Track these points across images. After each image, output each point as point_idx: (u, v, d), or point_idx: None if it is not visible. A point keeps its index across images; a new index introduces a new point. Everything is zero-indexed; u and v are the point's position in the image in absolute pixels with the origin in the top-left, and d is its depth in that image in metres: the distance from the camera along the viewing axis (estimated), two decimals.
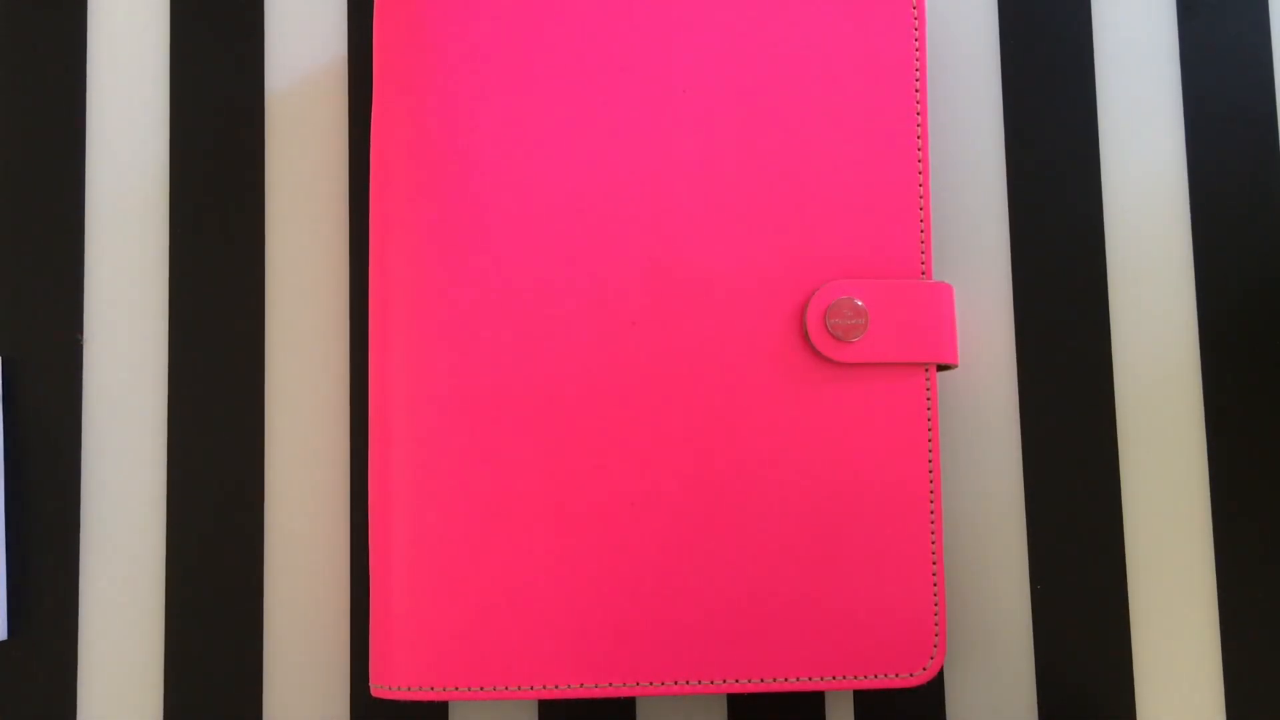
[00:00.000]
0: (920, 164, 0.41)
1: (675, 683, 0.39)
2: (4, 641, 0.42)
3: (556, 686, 0.38)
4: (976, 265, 0.44)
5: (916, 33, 0.41)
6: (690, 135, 0.40)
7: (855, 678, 0.39)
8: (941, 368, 0.41)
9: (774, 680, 0.39)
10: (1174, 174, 0.44)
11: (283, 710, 0.42)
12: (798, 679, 0.39)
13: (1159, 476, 0.43)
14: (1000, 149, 0.44)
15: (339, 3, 0.44)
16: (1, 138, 0.44)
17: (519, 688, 0.38)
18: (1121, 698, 0.42)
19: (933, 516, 0.40)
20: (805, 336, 0.40)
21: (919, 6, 0.41)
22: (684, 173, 0.40)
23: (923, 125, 0.41)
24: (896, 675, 0.39)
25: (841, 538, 0.39)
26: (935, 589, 0.39)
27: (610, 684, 0.38)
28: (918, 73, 0.41)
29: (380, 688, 0.39)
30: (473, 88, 0.40)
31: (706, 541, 0.39)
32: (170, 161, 0.44)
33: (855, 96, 0.41)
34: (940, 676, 0.42)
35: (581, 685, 0.38)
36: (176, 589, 0.42)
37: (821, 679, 0.39)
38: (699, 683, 0.39)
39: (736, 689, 0.39)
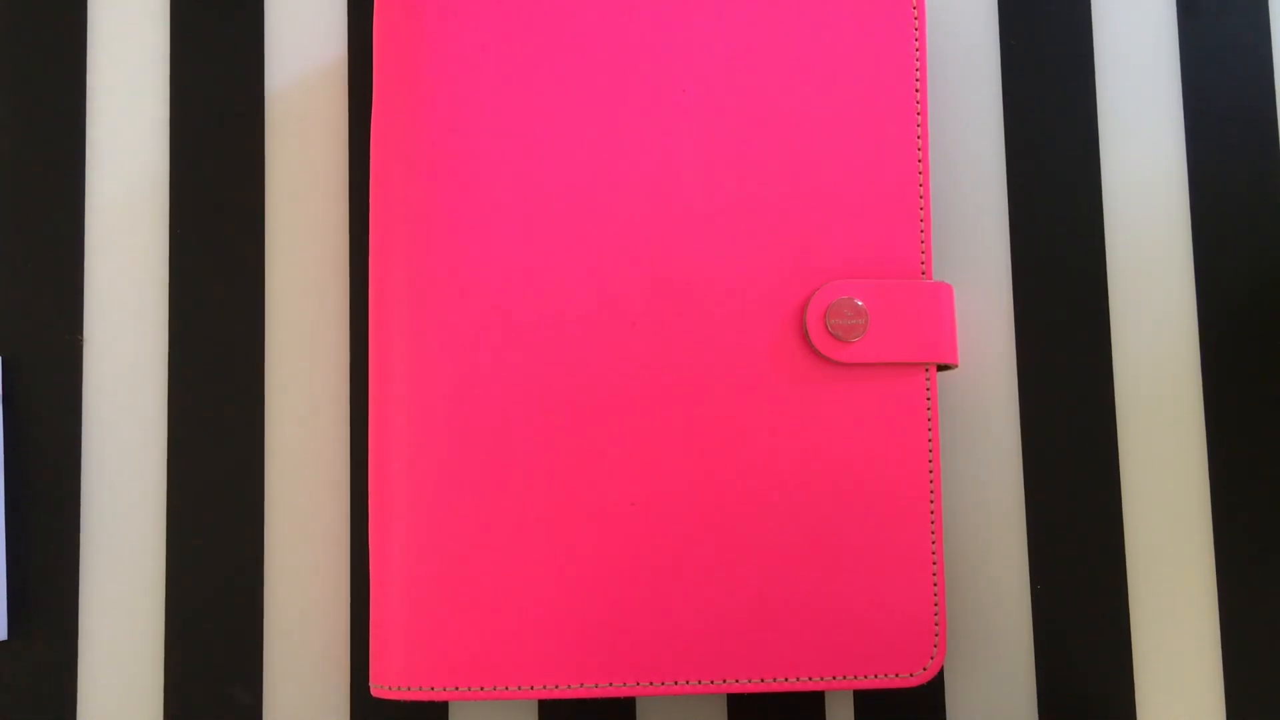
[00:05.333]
0: (920, 164, 0.41)
1: (675, 683, 0.39)
2: (4, 641, 0.42)
3: (556, 686, 0.38)
4: (976, 265, 0.44)
5: (916, 33, 0.41)
6: (690, 135, 0.40)
7: (855, 678, 0.39)
8: (941, 368, 0.41)
9: (774, 680, 0.39)
10: (1174, 174, 0.44)
11: (283, 710, 0.42)
12: (798, 679, 0.39)
13: (1159, 476, 0.43)
14: (1000, 149, 0.44)
15: (339, 3, 0.44)
16: (1, 138, 0.44)
17: (519, 688, 0.38)
18: (1121, 698, 0.42)
19: (933, 516, 0.40)
20: (805, 336, 0.40)
21: (919, 6, 0.41)
22: (684, 173, 0.40)
23: (923, 125, 0.41)
24: (896, 675, 0.39)
25: (841, 537, 0.39)
26: (935, 589, 0.39)
27: (610, 684, 0.38)
28: (918, 73, 0.41)
29: (380, 688, 0.39)
30: (473, 88, 0.40)
31: (706, 541, 0.39)
32: (170, 161, 0.44)
33: (855, 96, 0.41)
34: (940, 676, 0.42)
35: (581, 685, 0.38)
36: (176, 589, 0.42)
37: (821, 679, 0.39)
38: (699, 683, 0.39)
39: (736, 689, 0.39)
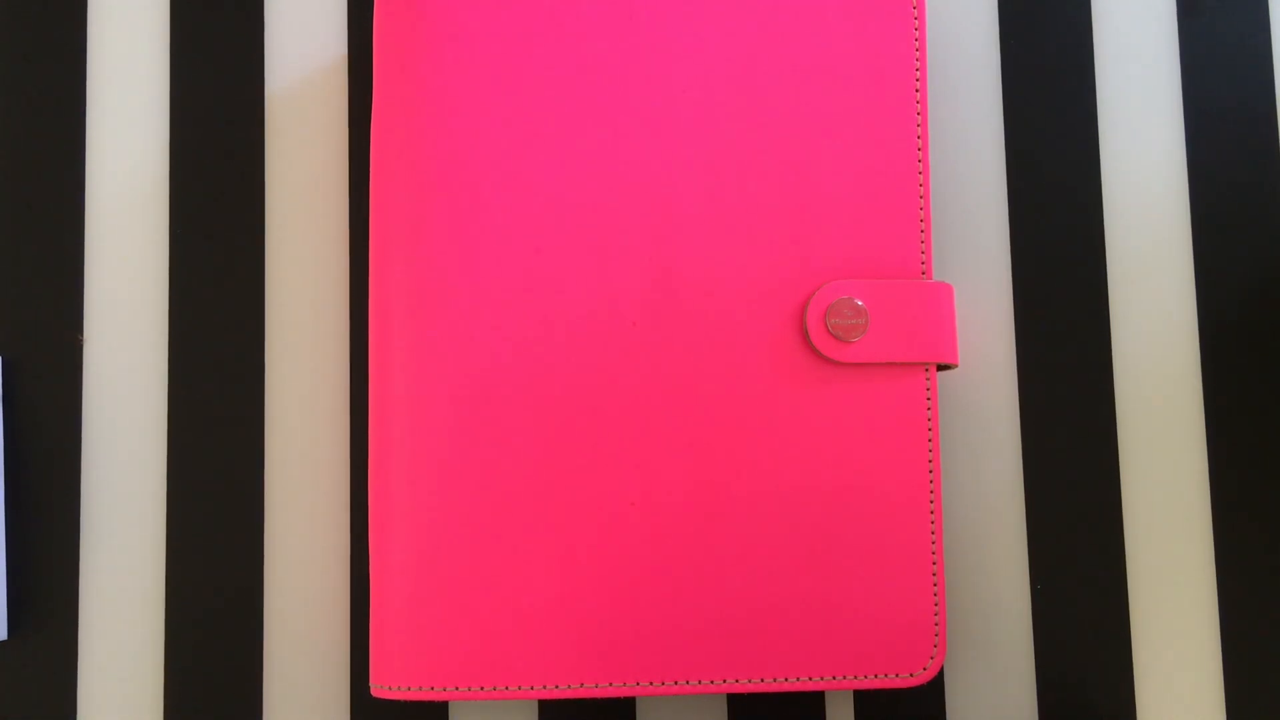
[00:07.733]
0: (920, 164, 0.41)
1: (675, 683, 0.39)
2: (4, 641, 0.42)
3: (556, 686, 0.38)
4: (976, 265, 0.44)
5: (917, 33, 0.41)
6: (690, 135, 0.40)
7: (855, 678, 0.39)
8: (941, 368, 0.41)
9: (774, 680, 0.39)
10: (1174, 174, 0.44)
11: (283, 710, 0.42)
12: (798, 679, 0.39)
13: (1159, 476, 0.43)
14: (1000, 149, 0.44)
15: (339, 3, 0.44)
16: (1, 138, 0.44)
17: (519, 688, 0.38)
18: (1121, 698, 0.42)
19: (933, 516, 0.40)
20: (805, 336, 0.40)
21: (919, 6, 0.41)
22: (684, 173, 0.40)
23: (923, 125, 0.41)
24: (896, 675, 0.39)
25: (842, 537, 0.39)
26: (935, 589, 0.39)
27: (610, 684, 0.38)
28: (918, 73, 0.41)
29: (380, 688, 0.39)
30: (473, 88, 0.40)
31: (707, 541, 0.39)
32: (170, 161, 0.44)
33: (855, 97, 0.41)
34: (940, 676, 0.42)
35: (581, 685, 0.38)
36: (176, 589, 0.42)
37: (821, 679, 0.39)
38: (699, 683, 0.39)
39: (736, 689, 0.39)
